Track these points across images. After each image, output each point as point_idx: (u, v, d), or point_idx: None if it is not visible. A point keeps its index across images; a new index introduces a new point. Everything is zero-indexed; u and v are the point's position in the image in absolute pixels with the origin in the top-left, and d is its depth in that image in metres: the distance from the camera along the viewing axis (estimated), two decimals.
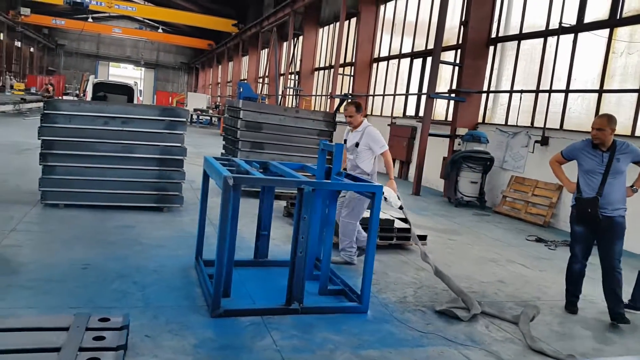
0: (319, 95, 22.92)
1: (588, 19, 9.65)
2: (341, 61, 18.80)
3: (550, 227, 9.32)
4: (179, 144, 7.17)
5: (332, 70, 19.35)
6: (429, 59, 13.46)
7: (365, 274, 4.25)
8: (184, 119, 7.27)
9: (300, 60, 24.15)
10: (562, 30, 9.84)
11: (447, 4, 11.58)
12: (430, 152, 11.88)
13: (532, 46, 11.11)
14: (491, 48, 12.04)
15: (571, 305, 4.92)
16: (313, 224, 4.28)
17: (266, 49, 30.20)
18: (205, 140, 19.87)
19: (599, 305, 5.04)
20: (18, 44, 43.90)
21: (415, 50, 15.59)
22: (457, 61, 12.43)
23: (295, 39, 24.94)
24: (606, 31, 9.26)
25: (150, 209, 7.14)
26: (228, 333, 3.65)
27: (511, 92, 11.30)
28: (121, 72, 59.30)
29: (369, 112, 17.82)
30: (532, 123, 10.64)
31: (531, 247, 7.69)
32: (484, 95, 12.12)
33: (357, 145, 5.59)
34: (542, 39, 10.69)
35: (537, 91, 10.53)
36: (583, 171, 4.75)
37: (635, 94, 8.58)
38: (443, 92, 12.93)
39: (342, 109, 5.81)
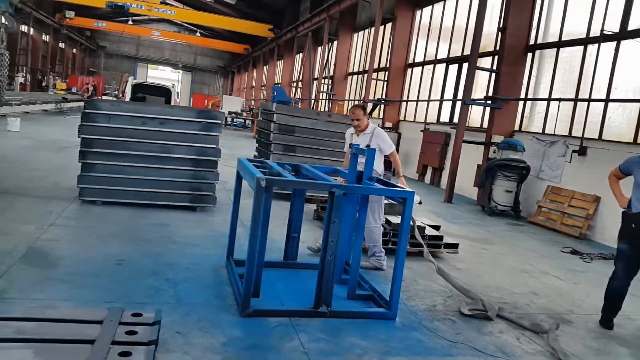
0: (351, 100, 22.91)
1: (632, 26, 9.37)
2: (375, 66, 18.75)
3: (586, 239, 9.07)
4: (214, 146, 7.28)
5: (366, 75, 19.32)
6: (465, 65, 13.30)
7: (395, 280, 4.23)
8: (220, 121, 7.39)
9: (334, 65, 24.20)
10: (603, 37, 9.58)
11: (484, 10, 11.43)
12: (464, 159, 11.72)
13: (571, 54, 10.86)
14: (529, 55, 11.81)
15: (607, 321, 4.76)
16: (343, 228, 4.28)
17: (301, 54, 30.38)
18: (238, 143, 20.12)
19: (637, 323, 4.87)
20: (62, 45, 45.46)
21: (451, 55, 15.43)
22: (494, 67, 12.25)
23: (330, 43, 25.01)
24: None
25: (184, 208, 7.27)
26: (256, 333, 3.69)
27: (549, 100, 11.05)
28: (159, 74, 60.57)
29: (401, 118, 17.72)
30: (570, 132, 10.38)
31: (566, 259, 7.49)
32: (520, 103, 11.90)
33: (368, 147, 5.63)
34: (582, 47, 10.43)
35: (575, 100, 10.28)
36: (636, 185, 4.57)
37: None
38: (479, 98, 12.75)
39: (348, 112, 5.90)
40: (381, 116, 18.17)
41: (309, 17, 26.62)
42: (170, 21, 50.85)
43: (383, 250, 5.63)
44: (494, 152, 11.23)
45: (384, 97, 17.85)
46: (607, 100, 9.59)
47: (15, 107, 17.31)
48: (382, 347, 3.71)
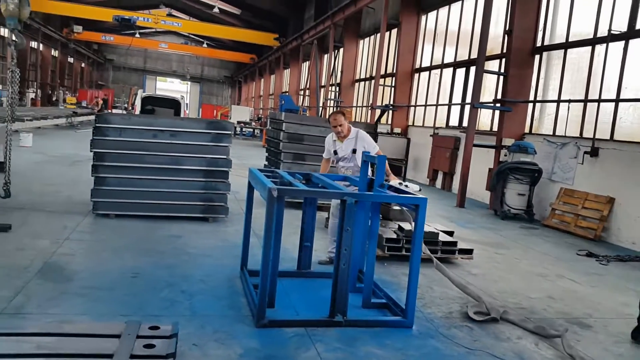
0: (359, 107, 22.93)
1: None
2: (382, 72, 18.76)
3: (601, 241, 8.97)
4: (225, 156, 7.31)
5: (373, 81, 19.34)
6: (472, 69, 13.27)
7: (410, 287, 4.19)
8: (230, 132, 7.43)
9: (341, 72, 24.25)
10: (611, 37, 9.52)
11: (490, 13, 11.42)
12: (474, 163, 11.66)
13: (579, 54, 10.79)
14: (537, 57, 11.76)
15: (638, 333, 4.44)
16: (356, 235, 4.27)
17: (307, 62, 30.49)
18: (248, 152, 20.18)
19: None
20: (71, 59, 46.00)
21: (458, 59, 15.41)
22: (502, 70, 12.21)
23: (336, 51, 25.08)
24: None
25: (196, 219, 7.30)
26: (273, 343, 3.68)
27: (558, 101, 10.99)
28: (168, 86, 61.10)
29: (410, 123, 17.70)
30: (581, 133, 10.30)
31: (582, 261, 7.41)
32: (530, 105, 11.84)
33: (354, 151, 5.64)
34: (589, 47, 10.37)
35: (585, 100, 10.21)
36: None
37: None
38: (487, 101, 12.71)
39: (331, 120, 5.88)
40: (389, 122, 18.16)
41: (313, 25, 26.74)
42: (177, 33, 51.28)
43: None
44: (505, 155, 11.17)
45: (391, 102, 17.83)
46: (617, 100, 9.51)
47: (27, 123, 17.51)
48: (399, 356, 3.69)
